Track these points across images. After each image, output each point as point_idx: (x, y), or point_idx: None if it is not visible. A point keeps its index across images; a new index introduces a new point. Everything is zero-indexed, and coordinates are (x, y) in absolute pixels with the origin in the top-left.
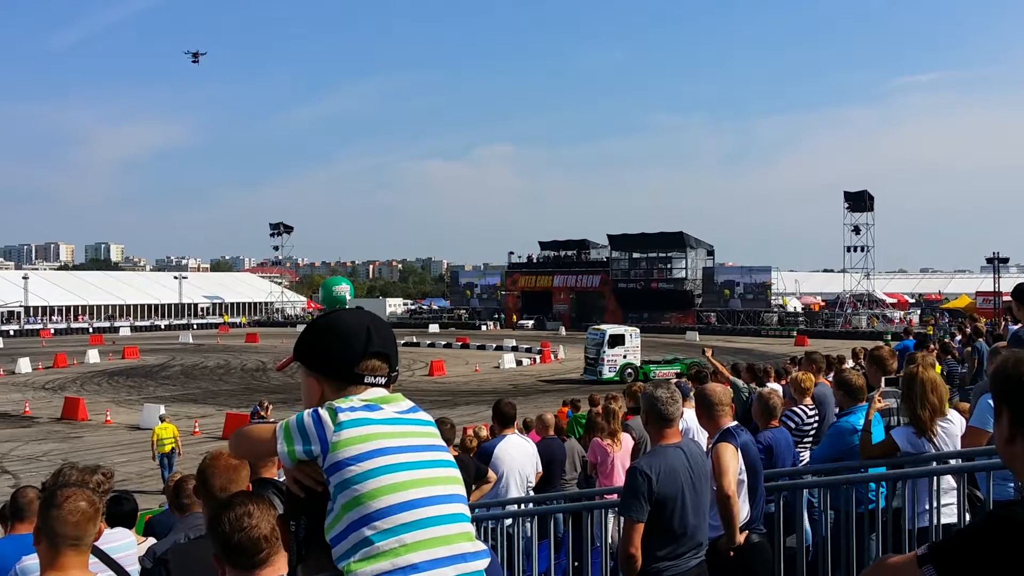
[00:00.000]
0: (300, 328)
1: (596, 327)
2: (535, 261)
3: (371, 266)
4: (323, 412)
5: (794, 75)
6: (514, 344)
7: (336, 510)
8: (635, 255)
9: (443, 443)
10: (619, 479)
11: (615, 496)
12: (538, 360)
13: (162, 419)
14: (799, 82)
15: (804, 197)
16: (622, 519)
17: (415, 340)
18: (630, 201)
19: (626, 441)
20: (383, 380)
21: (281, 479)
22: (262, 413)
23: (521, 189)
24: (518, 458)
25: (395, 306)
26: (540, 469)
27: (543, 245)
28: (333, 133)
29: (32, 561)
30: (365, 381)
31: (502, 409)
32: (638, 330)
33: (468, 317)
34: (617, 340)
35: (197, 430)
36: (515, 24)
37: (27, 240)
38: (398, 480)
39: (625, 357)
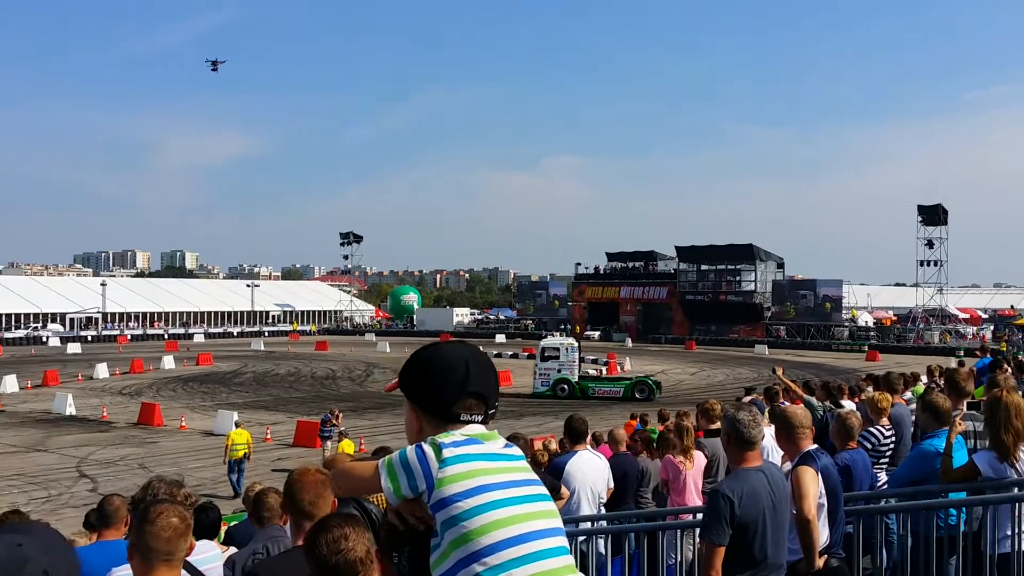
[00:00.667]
0: (368, 337)
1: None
2: (602, 272)
3: (438, 275)
4: (427, 448)
5: (869, 86)
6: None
7: (444, 546)
8: (703, 267)
9: (537, 477)
10: (691, 497)
11: (689, 516)
12: (604, 371)
13: (237, 425)
14: (873, 93)
15: (876, 210)
16: (703, 542)
17: (481, 350)
18: (698, 212)
19: (698, 459)
20: (480, 418)
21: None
22: (333, 421)
23: (588, 200)
24: (590, 474)
25: (462, 316)
26: (612, 485)
27: (610, 256)
28: (402, 144)
29: (125, 573)
30: (461, 419)
31: (574, 424)
32: (575, 343)
33: (534, 327)
34: (551, 354)
35: (269, 437)
36: (584, 33)
37: (105, 247)
38: (504, 516)
39: (560, 372)
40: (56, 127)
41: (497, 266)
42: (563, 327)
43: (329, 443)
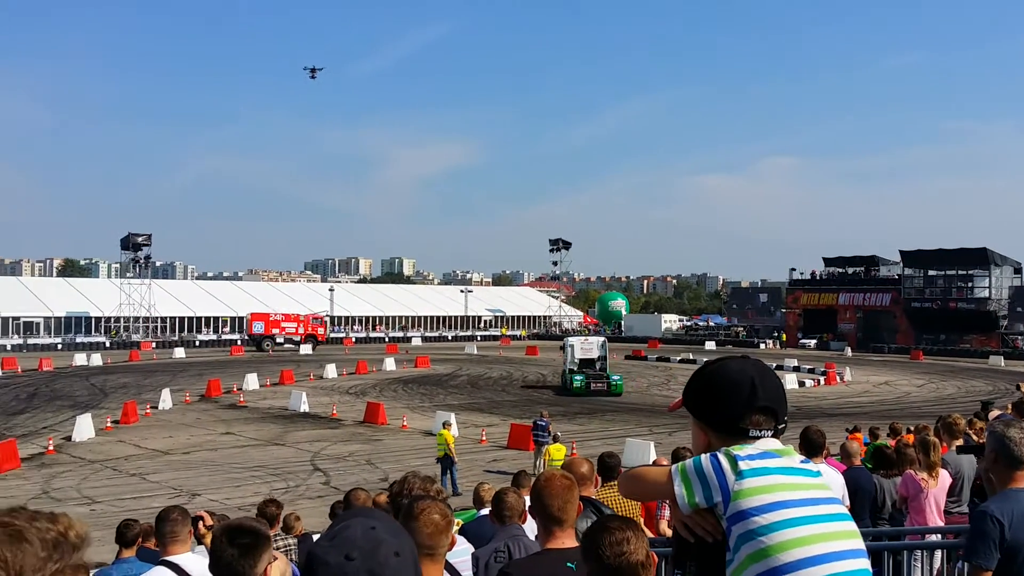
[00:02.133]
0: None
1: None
2: (819, 278)
3: (645, 281)
4: (723, 459)
5: None
6: (795, 364)
7: (740, 560)
8: (931, 272)
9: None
10: (931, 517)
11: (935, 536)
12: (822, 381)
13: (445, 425)
14: None
15: None
16: (967, 565)
17: (691, 357)
18: (924, 215)
19: (943, 477)
20: (769, 433)
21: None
22: (549, 429)
23: (803, 203)
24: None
25: (670, 322)
26: (847, 502)
27: (827, 261)
28: (610, 149)
29: None
30: (750, 435)
31: (810, 437)
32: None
33: (746, 335)
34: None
35: (484, 439)
36: (798, 32)
37: (331, 255)
38: (804, 534)
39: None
40: (289, 144)
41: (705, 272)
42: (775, 335)
43: (543, 447)
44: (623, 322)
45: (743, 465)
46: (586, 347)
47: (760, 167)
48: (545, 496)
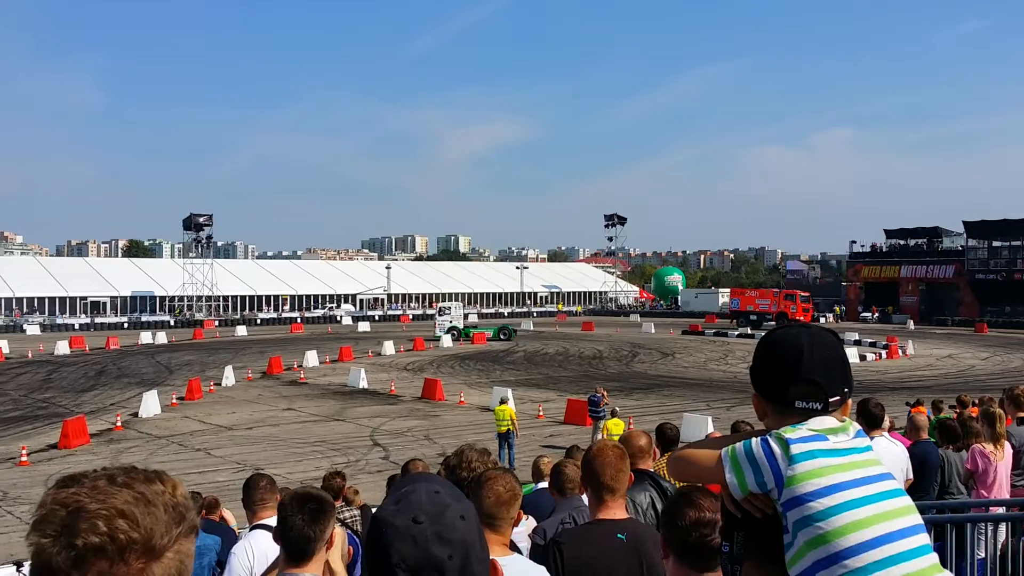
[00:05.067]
0: (633, 317)
1: (442, 303)
2: (880, 250)
3: (702, 256)
4: (774, 443)
5: None
6: (856, 338)
7: (798, 546)
8: (995, 243)
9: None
10: (999, 490)
11: (999, 510)
12: (883, 356)
13: (503, 401)
14: None
15: None
16: None
17: (749, 332)
18: (989, 185)
19: (1007, 449)
20: (819, 406)
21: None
22: (605, 401)
23: (863, 174)
24: (888, 463)
25: (726, 296)
26: (911, 476)
27: (889, 233)
28: (665, 123)
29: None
30: (797, 406)
31: (870, 410)
32: (459, 303)
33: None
34: (444, 310)
35: (541, 414)
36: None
37: (388, 233)
38: (862, 516)
39: (451, 322)
40: (347, 123)
41: (763, 245)
42: (836, 308)
43: (600, 423)
44: (679, 297)
45: (795, 449)
46: (456, 314)
47: (819, 139)
48: (597, 466)
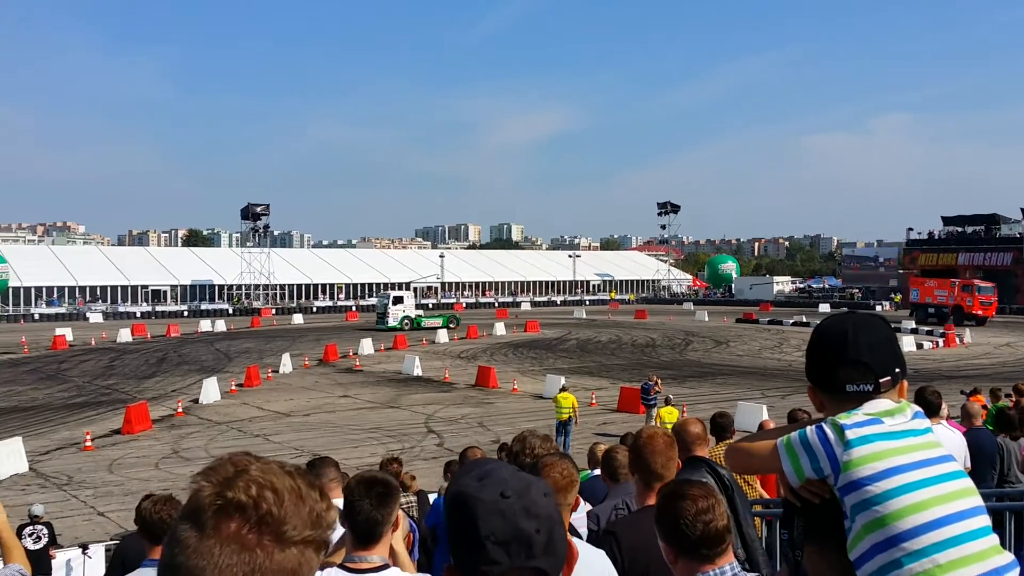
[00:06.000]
0: (686, 306)
1: (383, 292)
2: (937, 237)
3: (756, 243)
4: (828, 430)
5: None
6: (913, 326)
7: (857, 530)
8: None
9: (949, 453)
10: None
11: None
12: (940, 344)
13: (563, 389)
14: None
15: None
16: None
17: (804, 320)
18: None
19: None
20: (869, 387)
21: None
22: (657, 389)
23: (920, 160)
24: (947, 450)
25: (782, 284)
26: (968, 464)
27: (946, 220)
28: (720, 110)
29: None
30: (847, 390)
31: (927, 398)
32: (412, 293)
33: (861, 296)
34: (398, 300)
35: (594, 402)
36: None
37: (441, 222)
38: (920, 499)
39: (404, 312)
40: (401, 113)
41: (819, 233)
42: (892, 296)
43: (654, 411)
44: (733, 285)
45: (850, 434)
46: (409, 304)
47: (876, 124)
48: (647, 453)
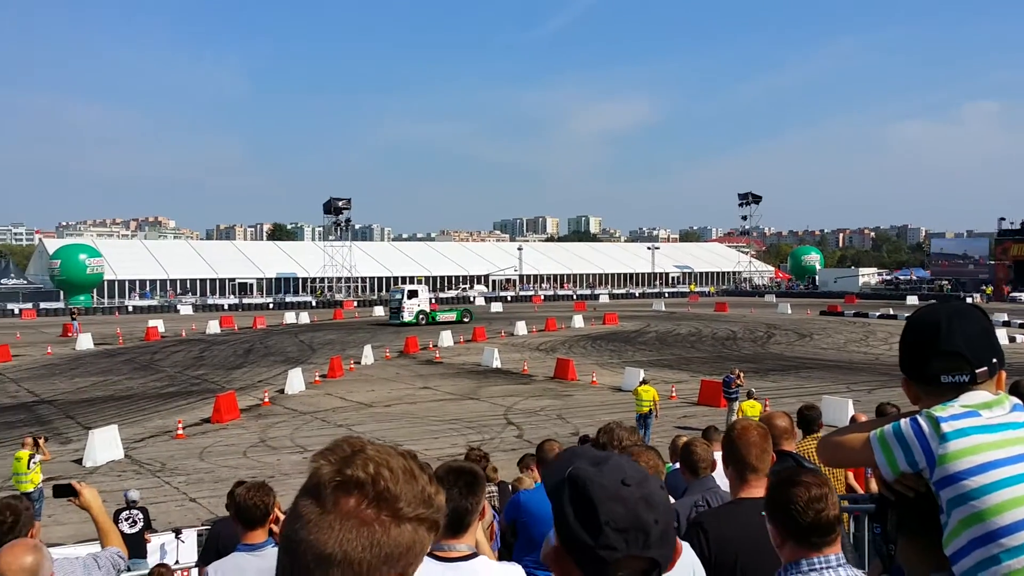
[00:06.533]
0: (768, 298)
1: (396, 287)
2: None
3: (841, 234)
4: (923, 422)
5: None
6: (1005, 319)
7: (953, 524)
8: None
9: None
10: None
11: None
12: None
13: (643, 382)
14: None
15: None
16: None
17: (891, 312)
18: None
19: None
20: (965, 378)
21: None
22: (738, 382)
23: (1012, 148)
24: None
25: (867, 276)
26: None
27: None
28: (802, 99)
29: None
30: (943, 382)
31: (1022, 391)
32: (426, 287)
33: (951, 288)
34: (413, 294)
35: (674, 395)
36: None
37: (519, 214)
38: (1019, 494)
39: (419, 306)
40: (478, 107)
41: (906, 223)
42: (983, 288)
43: (736, 404)
44: (817, 277)
45: (946, 427)
46: (423, 298)
47: (965, 112)
48: (742, 446)
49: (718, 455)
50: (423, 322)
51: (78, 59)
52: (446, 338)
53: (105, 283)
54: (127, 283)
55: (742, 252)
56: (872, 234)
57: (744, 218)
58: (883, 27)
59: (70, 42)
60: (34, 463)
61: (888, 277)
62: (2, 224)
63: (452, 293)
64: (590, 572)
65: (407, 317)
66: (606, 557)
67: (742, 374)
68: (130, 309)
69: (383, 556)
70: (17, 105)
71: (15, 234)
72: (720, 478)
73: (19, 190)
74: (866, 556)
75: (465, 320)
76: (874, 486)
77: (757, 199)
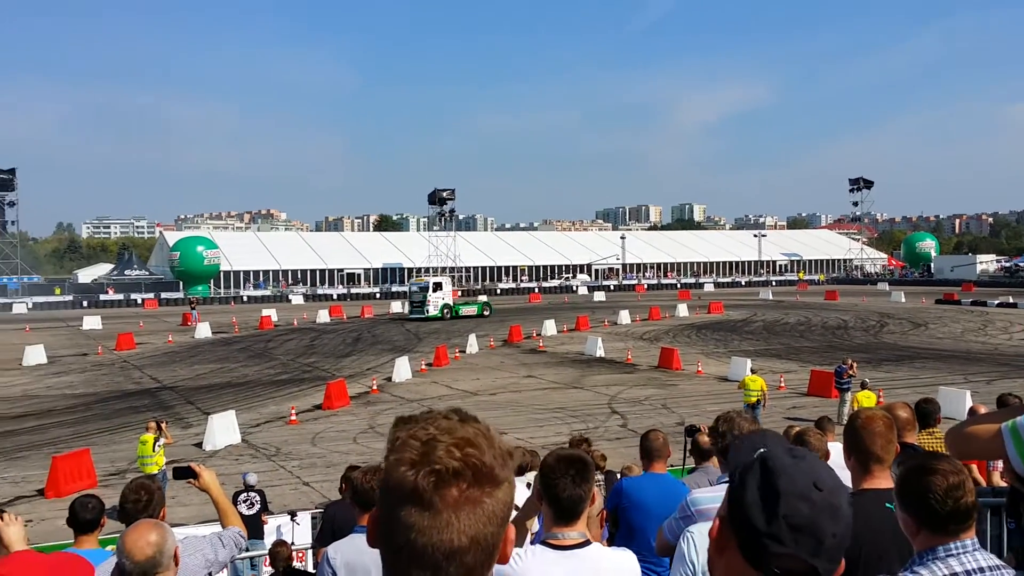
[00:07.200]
0: (881, 286)
1: (416, 279)
2: None
3: (957, 220)
4: None
5: None
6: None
7: None
8: None
9: None
10: None
11: None
12: None
13: (752, 372)
14: None
15: None
16: None
17: (1011, 301)
18: None
19: None
20: None
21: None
22: (851, 372)
23: None
24: None
25: (986, 263)
26: None
27: None
28: (914, 79)
29: (701, 494)
30: None
31: None
32: (449, 278)
33: None
34: (438, 286)
35: (783, 385)
36: None
37: (621, 203)
38: None
39: (444, 299)
40: (580, 95)
41: None
42: None
43: (848, 395)
44: (932, 264)
45: None
46: (447, 290)
47: None
48: (866, 435)
49: (832, 446)
50: (448, 316)
51: (194, 60)
52: (549, 327)
53: (221, 274)
54: (241, 274)
55: (853, 239)
56: (990, 219)
57: (855, 204)
58: (1002, 5)
59: (195, 43)
60: (159, 446)
61: (1007, 264)
62: (125, 218)
63: (555, 283)
64: (748, 555)
65: (432, 311)
66: (769, 546)
67: (855, 364)
68: (245, 299)
69: (499, 520)
70: (138, 105)
71: (137, 227)
72: (837, 469)
73: (140, 185)
74: (988, 550)
75: (486, 314)
76: (996, 479)
77: (869, 184)
